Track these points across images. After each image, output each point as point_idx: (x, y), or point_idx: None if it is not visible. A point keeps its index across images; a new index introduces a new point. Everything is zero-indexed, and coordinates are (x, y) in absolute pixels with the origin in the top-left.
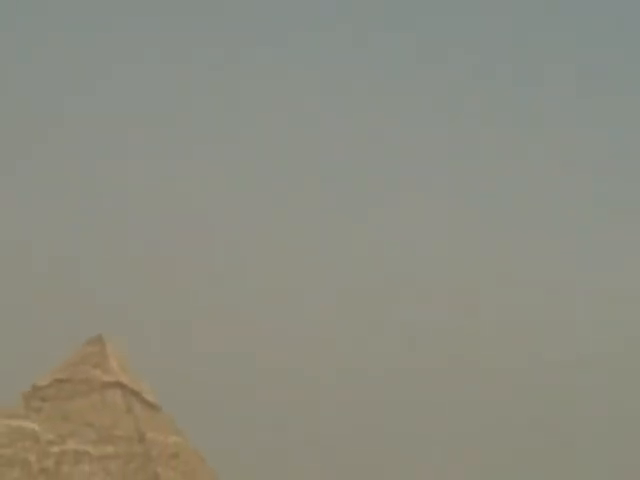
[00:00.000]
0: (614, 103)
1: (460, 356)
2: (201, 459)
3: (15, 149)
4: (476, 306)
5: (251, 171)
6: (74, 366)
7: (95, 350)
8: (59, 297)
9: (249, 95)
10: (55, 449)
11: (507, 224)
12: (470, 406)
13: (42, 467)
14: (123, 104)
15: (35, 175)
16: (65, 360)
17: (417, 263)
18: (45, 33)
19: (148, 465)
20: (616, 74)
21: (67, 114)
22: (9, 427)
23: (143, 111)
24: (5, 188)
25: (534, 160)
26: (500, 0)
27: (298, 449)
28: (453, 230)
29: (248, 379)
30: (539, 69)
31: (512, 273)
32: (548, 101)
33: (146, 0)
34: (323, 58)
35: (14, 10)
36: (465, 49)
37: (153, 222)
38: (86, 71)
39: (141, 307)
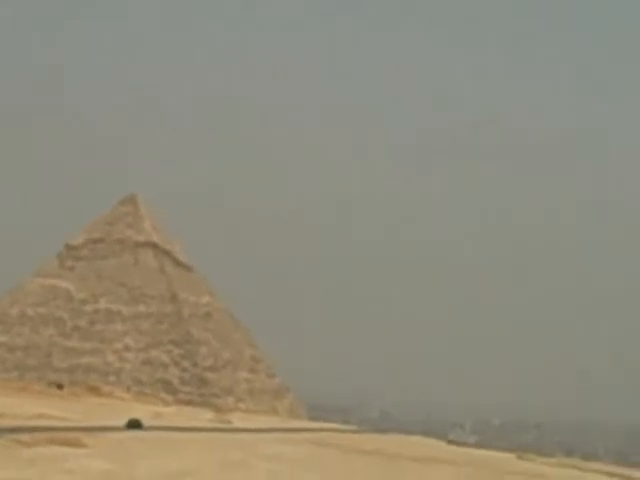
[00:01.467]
0: None
1: None
2: (233, 319)
3: None
4: None
5: None
6: (107, 225)
7: (128, 210)
8: (94, 153)
9: None
10: (88, 308)
11: None
12: None
13: (75, 325)
14: None
15: None
16: (98, 219)
17: None
18: None
19: (180, 324)
20: None
21: None
22: (43, 286)
23: None
24: None
25: None
26: None
27: (329, 308)
28: None
29: (281, 239)
30: None
31: None
32: None
33: None
34: None
35: None
36: None
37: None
38: None
39: (175, 169)
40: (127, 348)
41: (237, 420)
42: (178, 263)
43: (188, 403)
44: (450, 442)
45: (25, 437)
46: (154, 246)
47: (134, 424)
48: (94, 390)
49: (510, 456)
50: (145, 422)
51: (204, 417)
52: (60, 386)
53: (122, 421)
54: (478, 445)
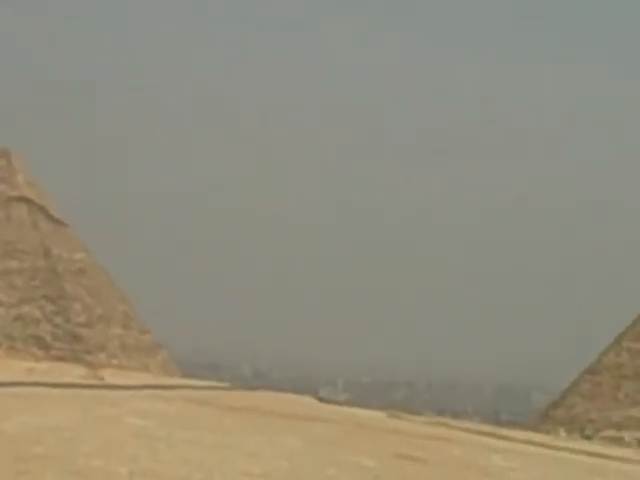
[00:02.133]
0: None
1: None
2: (106, 276)
3: None
4: None
5: None
6: None
7: (1, 164)
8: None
9: None
10: None
11: None
12: None
13: None
14: None
15: None
16: None
17: None
18: None
19: (53, 280)
20: None
21: None
22: None
23: None
24: None
25: None
26: None
27: (207, 264)
28: None
29: (152, 197)
30: None
31: None
32: None
33: None
34: None
35: None
36: None
37: None
38: None
39: (48, 125)
40: None
41: (109, 376)
42: (52, 219)
43: (60, 359)
44: (321, 400)
45: None
46: (28, 201)
47: None
48: None
49: (380, 414)
50: (17, 378)
51: (76, 373)
52: None
53: None
54: (349, 403)
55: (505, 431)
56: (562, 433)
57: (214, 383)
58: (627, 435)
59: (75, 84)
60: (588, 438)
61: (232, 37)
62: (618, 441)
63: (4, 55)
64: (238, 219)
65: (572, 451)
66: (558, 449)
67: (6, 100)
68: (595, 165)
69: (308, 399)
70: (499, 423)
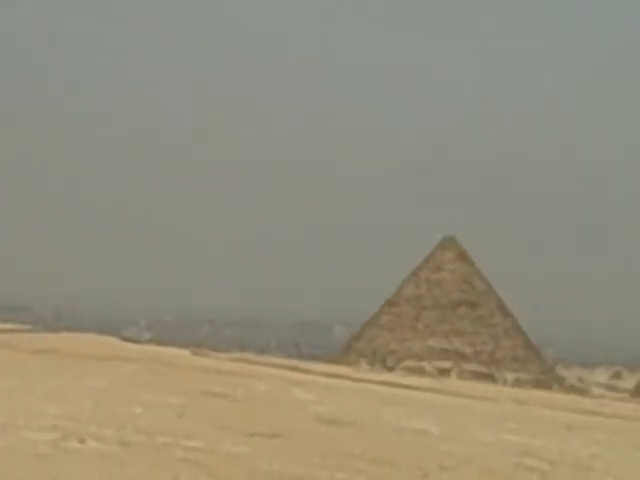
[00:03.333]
0: None
1: None
2: None
3: None
4: None
5: None
6: None
7: None
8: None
9: None
10: None
11: None
12: None
13: None
14: None
15: None
16: None
17: None
18: None
19: None
20: None
21: None
22: None
23: None
24: None
25: None
26: None
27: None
28: None
29: None
30: None
31: None
32: None
33: None
34: None
35: None
36: None
37: None
38: None
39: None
40: None
41: None
42: None
43: None
44: (124, 339)
45: None
46: None
47: None
48: None
49: (185, 352)
50: None
51: None
52: None
53: None
54: (152, 341)
55: (307, 364)
56: (364, 365)
57: (14, 326)
58: (427, 365)
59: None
60: (390, 369)
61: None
62: (419, 371)
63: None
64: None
65: (373, 382)
66: (359, 381)
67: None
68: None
69: (112, 339)
70: (301, 357)
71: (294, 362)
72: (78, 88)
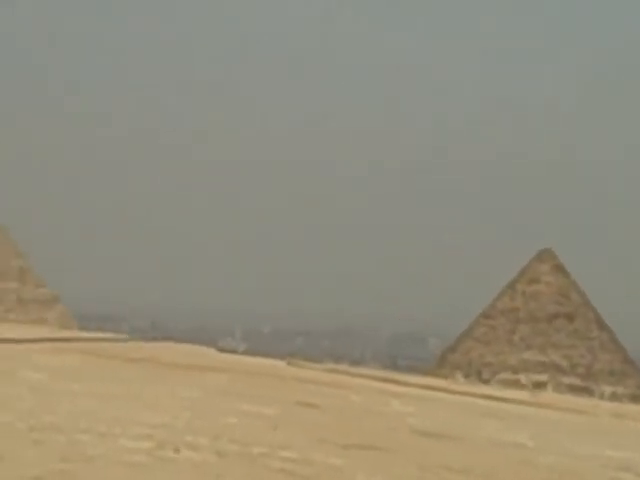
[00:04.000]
0: None
1: None
2: (1, 229)
3: None
4: None
5: None
6: None
7: None
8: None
9: None
10: None
11: None
12: None
13: None
14: None
15: None
16: None
17: None
18: None
19: None
20: None
21: None
22: None
23: None
24: None
25: None
26: None
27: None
28: None
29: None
30: None
31: None
32: None
33: None
34: None
35: None
36: None
37: None
38: None
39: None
40: None
41: (6, 330)
42: None
43: None
44: (220, 350)
45: None
46: None
47: None
48: None
49: (280, 363)
50: None
51: None
52: None
53: None
54: (248, 352)
55: (403, 376)
56: (459, 377)
57: (112, 335)
58: (523, 378)
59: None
60: (485, 382)
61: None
62: (515, 384)
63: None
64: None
65: (469, 395)
66: (455, 393)
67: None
68: None
69: (208, 349)
70: (397, 369)
71: (389, 374)
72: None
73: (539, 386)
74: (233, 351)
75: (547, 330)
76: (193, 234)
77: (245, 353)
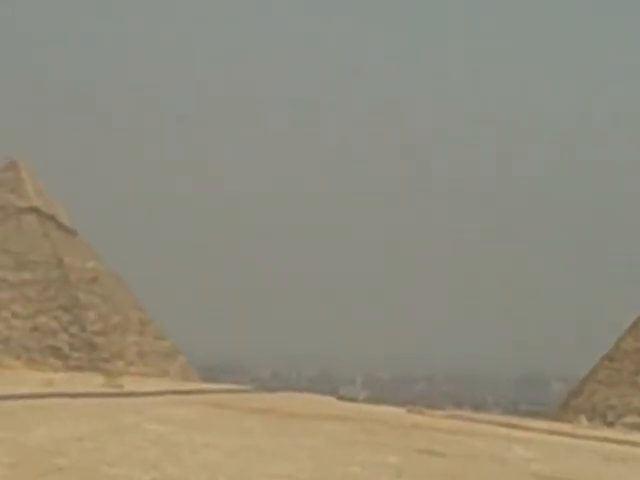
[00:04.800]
0: None
1: None
2: (120, 283)
3: None
4: None
5: None
6: None
7: (10, 175)
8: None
9: None
10: None
11: None
12: None
13: None
14: None
15: None
16: None
17: None
18: None
19: (67, 290)
20: None
21: None
22: None
23: None
24: None
25: None
26: None
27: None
28: None
29: (164, 205)
30: None
31: None
32: None
33: None
34: None
35: None
36: None
37: None
38: None
39: (54, 132)
40: (15, 315)
41: (128, 383)
42: (62, 227)
43: (79, 369)
44: (341, 398)
45: None
46: (37, 211)
47: None
48: None
49: (401, 410)
50: (36, 390)
51: (95, 382)
52: None
53: (12, 390)
54: (369, 400)
55: (526, 421)
56: (583, 421)
57: (233, 386)
58: None
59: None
60: (610, 425)
61: (232, 37)
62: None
63: (4, 55)
64: (243, 220)
65: (594, 438)
66: (579, 437)
67: (7, 101)
68: None
69: (328, 398)
70: (519, 414)
71: (512, 419)
72: None
73: None
74: (354, 399)
75: None
76: (306, 282)
77: (366, 401)
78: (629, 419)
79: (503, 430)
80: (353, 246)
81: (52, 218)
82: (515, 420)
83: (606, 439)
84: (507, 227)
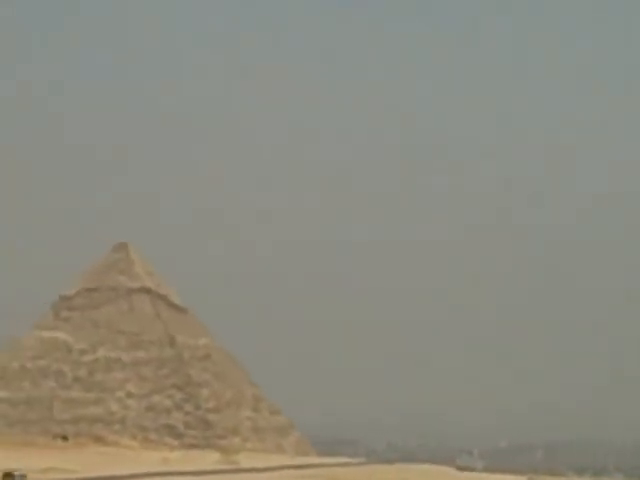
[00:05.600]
0: None
1: None
2: (231, 359)
3: None
4: None
5: None
6: (100, 274)
7: (120, 257)
8: (78, 208)
9: None
10: (87, 358)
11: None
12: None
13: (76, 376)
14: None
15: None
16: (90, 268)
17: None
18: None
19: (180, 368)
20: None
21: None
22: (41, 339)
23: None
24: None
25: None
26: None
27: (326, 350)
28: None
29: (270, 284)
30: None
31: None
32: None
33: None
34: None
35: None
36: None
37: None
38: None
39: (160, 215)
40: (129, 395)
41: (244, 460)
42: (173, 306)
43: (194, 446)
44: (459, 468)
45: None
46: (148, 291)
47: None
48: (100, 440)
49: (521, 478)
50: (153, 469)
51: (211, 459)
52: (65, 438)
53: (130, 470)
54: (487, 469)
55: None
56: None
57: (349, 459)
58: None
59: None
60: None
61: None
62: None
63: None
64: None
65: None
66: None
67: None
68: None
69: (447, 468)
70: None
71: None
72: None
73: None
74: (473, 469)
75: None
76: (418, 353)
77: (484, 470)
78: None
79: None
80: (472, 321)
81: (163, 297)
82: None
83: None
84: None
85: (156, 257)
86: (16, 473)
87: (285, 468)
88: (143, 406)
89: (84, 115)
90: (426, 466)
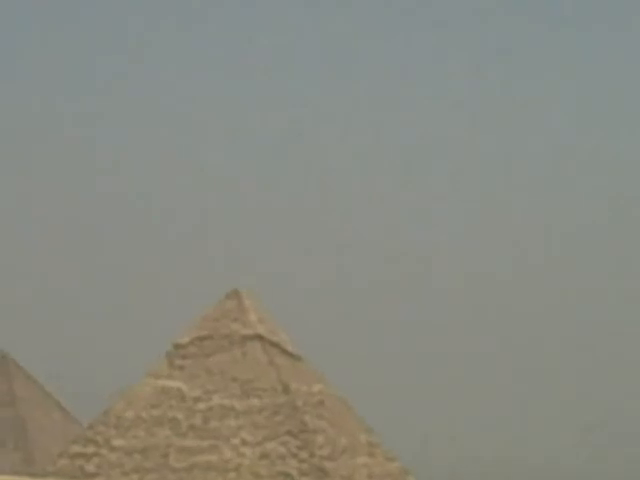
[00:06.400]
0: None
1: None
2: (347, 405)
3: None
4: None
5: None
6: (213, 322)
7: (233, 304)
8: (193, 256)
9: None
10: (201, 406)
11: None
12: None
13: (190, 424)
14: None
15: None
16: (203, 316)
17: None
18: None
19: (295, 415)
20: None
21: None
22: (155, 387)
23: None
24: None
25: None
26: None
27: (435, 391)
28: None
29: (382, 319)
30: None
31: None
32: None
33: None
34: None
35: None
36: None
37: None
38: None
39: (275, 261)
40: (244, 443)
41: None
42: (286, 353)
43: None
44: None
45: None
46: (261, 338)
47: None
48: None
49: None
50: None
51: None
52: None
53: None
54: None
55: None
56: None
57: None
58: None
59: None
60: None
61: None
62: None
63: None
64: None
65: None
66: None
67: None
68: None
69: None
70: None
71: None
72: None
73: None
74: None
75: None
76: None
77: None
78: None
79: None
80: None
81: (276, 345)
82: None
83: None
84: None
85: (272, 305)
86: None
87: None
88: (257, 454)
89: None
90: None
